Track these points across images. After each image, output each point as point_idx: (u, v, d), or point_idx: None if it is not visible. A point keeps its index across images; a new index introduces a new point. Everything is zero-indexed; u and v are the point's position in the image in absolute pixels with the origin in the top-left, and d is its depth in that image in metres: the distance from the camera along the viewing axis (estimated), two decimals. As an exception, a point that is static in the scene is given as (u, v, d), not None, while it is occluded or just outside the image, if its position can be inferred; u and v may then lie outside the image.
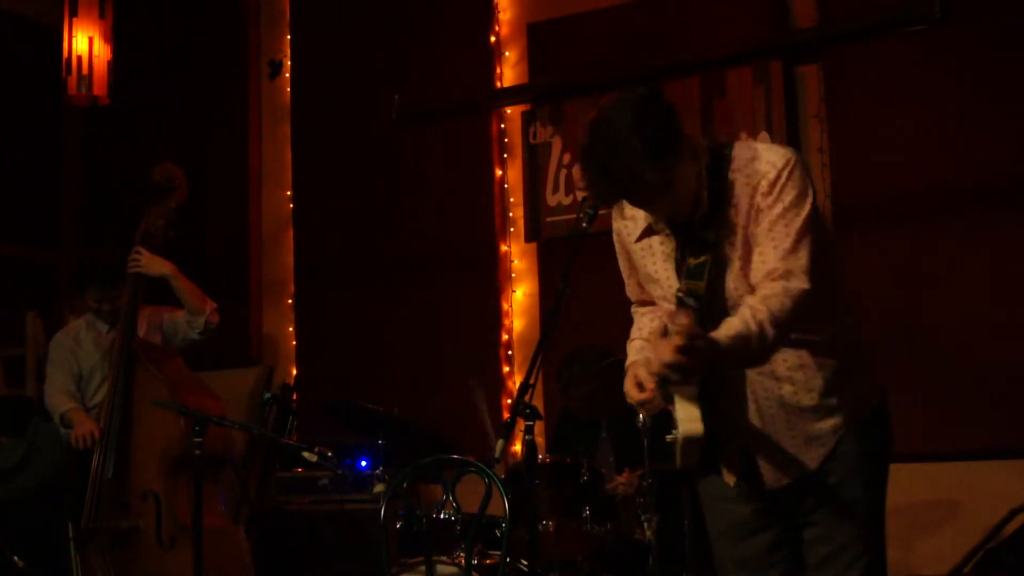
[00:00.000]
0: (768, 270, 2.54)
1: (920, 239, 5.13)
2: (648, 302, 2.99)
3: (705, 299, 2.58)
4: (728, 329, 2.45)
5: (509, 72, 6.19)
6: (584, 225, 2.98)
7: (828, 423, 2.68)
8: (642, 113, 2.50)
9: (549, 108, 5.97)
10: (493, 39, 6.21)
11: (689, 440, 2.49)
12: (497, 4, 6.22)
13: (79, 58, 5.89)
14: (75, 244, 7.13)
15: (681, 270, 2.65)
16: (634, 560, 4.29)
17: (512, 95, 6.12)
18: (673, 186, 2.55)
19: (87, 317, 5.20)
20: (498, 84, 6.17)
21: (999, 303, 4.98)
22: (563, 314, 3.09)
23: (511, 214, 6.11)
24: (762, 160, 2.59)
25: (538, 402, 3.41)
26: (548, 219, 5.94)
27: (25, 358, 6.45)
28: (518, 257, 6.09)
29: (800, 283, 2.51)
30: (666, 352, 2.32)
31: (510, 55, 6.20)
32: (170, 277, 4.98)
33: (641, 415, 4.19)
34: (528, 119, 6.03)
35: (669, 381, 2.42)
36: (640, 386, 2.67)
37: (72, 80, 5.90)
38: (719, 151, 2.64)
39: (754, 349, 2.46)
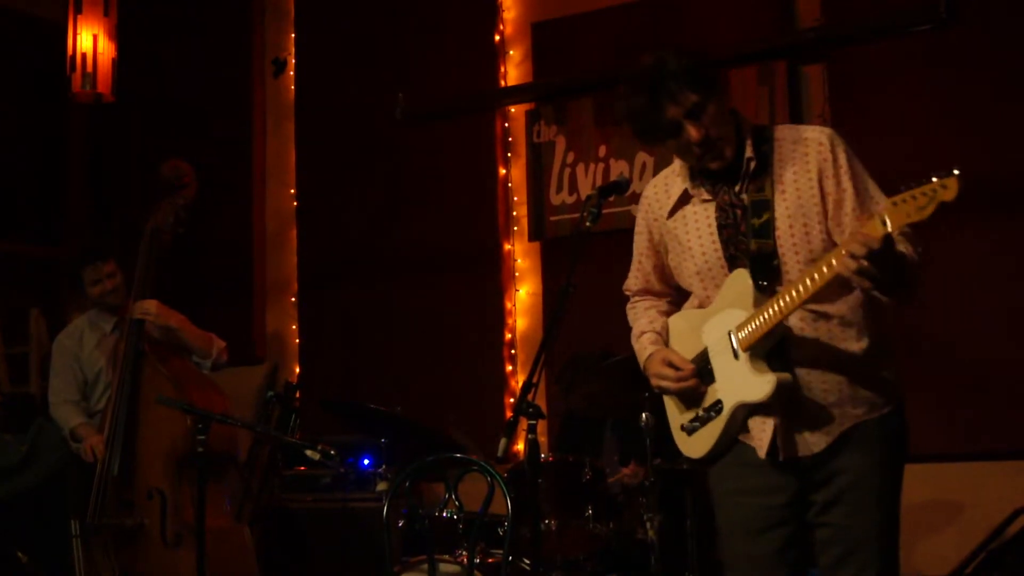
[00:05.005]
0: None
1: (924, 239, 5.11)
2: (654, 292, 3.01)
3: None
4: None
5: (513, 71, 6.19)
6: (588, 224, 2.98)
7: (844, 407, 2.71)
8: (683, 50, 2.71)
9: (553, 107, 5.97)
10: (497, 38, 6.20)
11: (783, 386, 2.61)
12: (501, 3, 6.21)
13: (83, 55, 5.88)
14: (79, 242, 7.13)
15: (732, 232, 2.74)
16: (636, 559, 4.29)
17: (516, 94, 6.12)
18: (713, 115, 2.67)
19: (90, 314, 5.17)
20: (502, 83, 6.17)
21: (1003, 303, 4.97)
22: (566, 313, 3.08)
23: (515, 213, 6.11)
24: (807, 129, 2.83)
25: (540, 401, 3.42)
26: (552, 218, 5.94)
27: (29, 356, 6.46)
28: (521, 256, 6.08)
29: None
30: (874, 240, 2.40)
31: (514, 54, 6.20)
32: (179, 329, 4.93)
33: (644, 415, 4.20)
34: (532, 118, 6.03)
35: (861, 278, 2.45)
36: (674, 367, 2.79)
37: (76, 77, 5.90)
38: (759, 125, 2.84)
39: (916, 271, 2.58)
